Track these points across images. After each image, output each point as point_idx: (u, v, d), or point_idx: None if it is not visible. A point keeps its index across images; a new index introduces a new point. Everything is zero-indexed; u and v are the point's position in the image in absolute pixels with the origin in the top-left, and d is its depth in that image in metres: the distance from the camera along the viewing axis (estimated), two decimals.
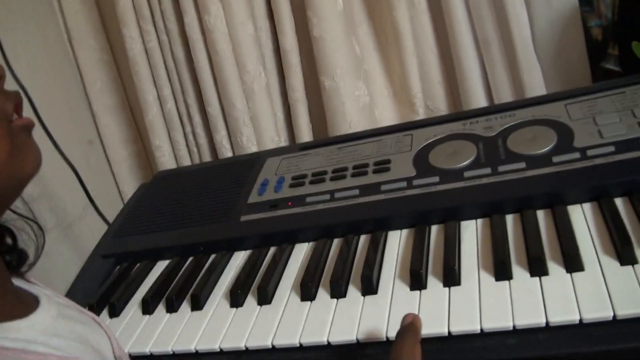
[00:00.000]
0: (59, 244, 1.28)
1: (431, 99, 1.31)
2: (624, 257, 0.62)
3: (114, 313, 0.83)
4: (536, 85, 1.17)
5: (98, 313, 0.84)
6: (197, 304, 0.78)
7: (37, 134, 0.52)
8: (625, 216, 0.68)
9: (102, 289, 0.89)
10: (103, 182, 1.52)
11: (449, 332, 0.60)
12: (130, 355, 0.70)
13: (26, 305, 0.50)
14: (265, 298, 0.75)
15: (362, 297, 0.70)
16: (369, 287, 0.70)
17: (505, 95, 1.21)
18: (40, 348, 0.45)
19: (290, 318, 0.70)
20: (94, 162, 1.50)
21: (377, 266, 0.74)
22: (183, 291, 0.82)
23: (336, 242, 0.84)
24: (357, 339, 0.64)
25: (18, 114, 0.49)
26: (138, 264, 0.95)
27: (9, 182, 0.46)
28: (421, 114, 1.29)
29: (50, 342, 0.47)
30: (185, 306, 0.80)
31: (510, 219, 0.76)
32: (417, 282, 0.68)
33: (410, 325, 0.57)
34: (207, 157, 1.44)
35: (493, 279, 0.65)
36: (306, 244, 0.86)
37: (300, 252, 0.84)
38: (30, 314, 0.48)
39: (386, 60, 1.35)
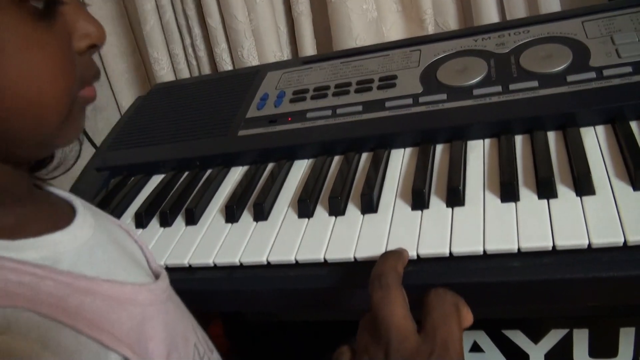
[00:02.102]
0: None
1: (441, 15, 1.25)
2: (638, 181, 0.59)
3: None
4: (551, 1, 1.11)
5: None
6: (192, 219, 0.76)
7: None
8: None
9: (94, 201, 0.86)
10: (100, 95, 1.49)
11: (451, 253, 0.58)
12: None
13: (63, 214, 0.48)
14: (261, 214, 0.72)
15: (362, 216, 0.68)
16: (369, 206, 0.68)
17: (519, 12, 1.16)
18: (86, 269, 0.43)
19: (287, 234, 0.68)
20: None
21: (378, 184, 0.71)
22: (178, 205, 0.80)
23: (336, 160, 0.81)
24: (354, 258, 0.62)
25: (89, 85, 0.46)
26: (132, 178, 0.92)
27: (41, 142, 0.44)
28: (430, 31, 1.23)
29: (94, 258, 0.45)
30: (179, 221, 0.78)
31: (519, 139, 0.72)
32: (419, 201, 0.66)
33: (396, 249, 0.59)
34: (206, 71, 1.40)
35: (499, 201, 0.63)
36: (305, 160, 0.83)
37: (299, 169, 0.81)
38: (68, 226, 0.45)
39: None
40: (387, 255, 0.57)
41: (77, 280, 0.41)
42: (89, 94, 0.45)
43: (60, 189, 0.53)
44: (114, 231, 0.53)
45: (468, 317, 0.53)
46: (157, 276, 0.55)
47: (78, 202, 0.50)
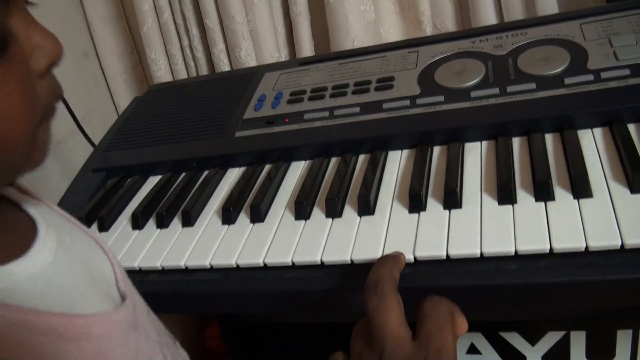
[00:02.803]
0: (48, 162, 1.25)
1: (439, 17, 1.25)
2: (635, 184, 0.58)
3: (103, 227, 0.80)
4: (548, 3, 1.11)
5: (87, 227, 0.82)
6: (188, 220, 0.76)
7: None
8: (638, 142, 0.64)
9: (92, 202, 0.86)
10: (98, 96, 1.48)
11: (447, 255, 0.58)
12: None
13: (21, 238, 0.44)
14: (258, 216, 0.72)
15: (359, 218, 0.67)
16: (366, 208, 0.68)
17: (517, 14, 1.16)
18: (39, 301, 0.40)
19: (283, 236, 0.68)
20: (89, 75, 1.45)
21: (375, 186, 0.71)
22: (174, 207, 0.79)
23: (334, 161, 0.81)
24: (351, 260, 0.62)
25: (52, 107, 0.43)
26: (129, 179, 0.92)
27: (8, 173, 0.42)
28: (428, 33, 1.24)
29: (49, 287, 0.42)
30: (176, 222, 0.77)
31: (517, 141, 0.72)
32: (416, 203, 0.65)
33: (393, 253, 0.59)
34: (204, 72, 1.40)
35: (496, 203, 0.62)
36: (302, 162, 0.83)
37: (296, 171, 0.81)
38: (26, 252, 0.42)
39: None
40: (384, 260, 0.57)
41: (27, 316, 0.38)
42: (47, 127, 0.43)
43: (30, 201, 0.49)
44: (82, 250, 0.50)
45: (463, 326, 0.52)
46: (123, 298, 0.50)
47: (41, 221, 0.46)
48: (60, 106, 1.18)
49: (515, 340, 0.95)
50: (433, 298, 0.53)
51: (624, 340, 0.90)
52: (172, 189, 0.85)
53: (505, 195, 0.62)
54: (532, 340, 0.94)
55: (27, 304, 0.39)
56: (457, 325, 0.52)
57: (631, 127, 0.68)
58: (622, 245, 0.53)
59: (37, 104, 0.40)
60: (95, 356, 0.41)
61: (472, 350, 0.97)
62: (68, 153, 1.29)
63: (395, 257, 0.58)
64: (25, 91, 0.38)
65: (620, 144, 0.65)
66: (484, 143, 0.74)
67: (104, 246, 0.55)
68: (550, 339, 0.93)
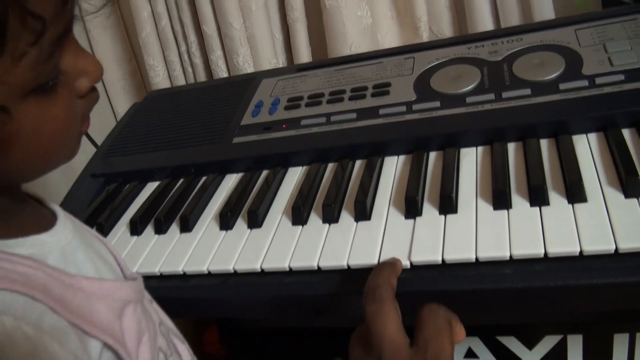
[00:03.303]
0: None
1: (436, 22, 1.26)
2: (630, 188, 0.59)
3: (102, 233, 0.81)
4: (545, 9, 1.12)
5: None
6: (186, 226, 0.76)
7: None
8: (632, 147, 0.65)
9: (90, 208, 0.86)
10: (97, 103, 1.48)
11: (443, 260, 0.58)
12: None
13: (47, 219, 0.49)
14: (255, 221, 0.73)
15: (355, 223, 0.68)
16: (362, 213, 0.68)
17: (513, 20, 1.16)
18: (69, 267, 0.45)
19: (281, 242, 0.68)
20: None
21: (372, 192, 0.71)
22: (172, 213, 0.80)
23: (330, 167, 0.81)
24: (348, 265, 0.62)
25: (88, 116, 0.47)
26: (127, 185, 0.92)
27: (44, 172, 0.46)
28: (425, 38, 1.24)
29: (75, 258, 0.47)
30: (174, 228, 0.78)
31: (512, 147, 0.73)
32: (412, 208, 0.66)
33: (390, 260, 0.60)
34: (202, 78, 1.41)
35: (491, 208, 0.63)
36: (300, 167, 0.83)
37: (293, 176, 0.81)
38: (52, 228, 0.47)
39: None
40: (382, 267, 0.57)
41: (61, 276, 0.43)
42: (86, 129, 0.47)
43: (43, 198, 0.54)
44: (90, 240, 0.54)
45: (460, 334, 0.53)
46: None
47: (59, 209, 0.52)
48: None
49: (513, 344, 0.95)
50: (431, 305, 0.54)
51: (620, 344, 0.90)
52: (170, 195, 0.85)
53: (501, 200, 0.63)
54: (529, 344, 0.94)
55: (59, 267, 0.44)
56: (454, 333, 0.52)
57: (626, 132, 0.68)
58: (617, 249, 0.53)
59: (77, 122, 0.44)
60: (120, 314, 0.47)
61: (470, 354, 0.98)
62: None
63: (393, 263, 0.58)
64: (69, 112, 0.42)
65: (614, 149, 0.66)
66: (480, 148, 0.74)
67: (106, 243, 0.58)
68: (547, 343, 0.93)
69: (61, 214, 0.51)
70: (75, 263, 0.46)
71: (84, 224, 0.59)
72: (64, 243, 0.47)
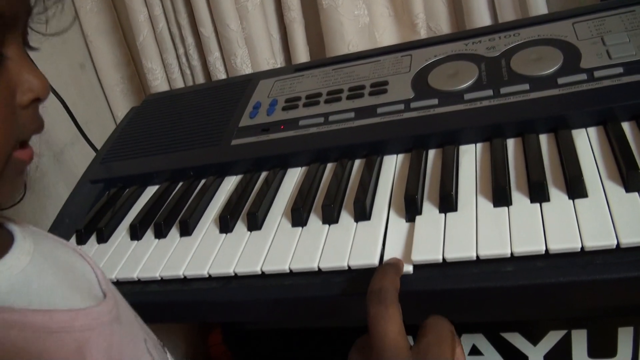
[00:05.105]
0: (50, 171, 1.25)
1: (434, 19, 1.25)
2: (630, 183, 0.59)
3: (102, 239, 0.81)
4: (541, 3, 1.11)
5: (86, 239, 0.82)
6: (186, 230, 0.76)
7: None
8: (632, 141, 0.64)
9: (90, 214, 0.86)
10: (95, 107, 1.48)
11: (444, 259, 0.58)
12: (118, 282, 0.68)
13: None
14: (255, 224, 0.72)
15: (355, 223, 0.68)
16: (362, 213, 0.68)
17: (511, 15, 1.16)
18: (17, 300, 0.42)
19: (281, 244, 0.68)
20: (86, 86, 1.45)
21: (371, 191, 0.71)
22: (172, 217, 0.79)
23: (329, 167, 0.81)
24: (348, 266, 0.62)
25: (26, 144, 0.45)
26: (127, 189, 0.92)
27: None
28: (423, 36, 1.23)
29: (28, 287, 0.44)
30: (174, 232, 0.78)
31: (511, 143, 0.72)
32: (412, 207, 0.66)
33: (393, 261, 0.59)
34: (200, 80, 1.40)
35: (491, 205, 0.63)
36: (299, 168, 0.83)
37: (293, 177, 0.81)
38: (3, 256, 0.44)
39: None
40: (386, 269, 0.57)
41: (2, 313, 0.40)
42: (25, 157, 0.44)
43: (7, 219, 0.51)
44: (59, 255, 0.52)
45: (460, 354, 0.54)
46: (105, 296, 0.53)
47: (17, 230, 0.49)
48: (62, 114, 1.19)
49: (517, 340, 0.94)
50: (438, 316, 0.54)
51: (625, 338, 0.90)
52: (170, 198, 0.85)
53: (501, 197, 0.62)
54: (534, 340, 0.94)
55: (6, 303, 0.41)
56: (456, 350, 0.53)
57: (625, 126, 0.68)
58: (618, 244, 0.53)
59: (14, 129, 0.42)
60: (78, 348, 0.44)
61: (474, 351, 0.97)
62: (69, 161, 1.30)
63: (396, 265, 0.58)
64: (4, 114, 0.40)
65: (614, 142, 0.65)
66: (479, 145, 0.74)
67: (83, 254, 0.57)
68: (551, 339, 0.93)
69: (18, 235, 0.48)
70: (27, 293, 0.43)
71: (61, 239, 0.57)
72: (17, 271, 0.44)
